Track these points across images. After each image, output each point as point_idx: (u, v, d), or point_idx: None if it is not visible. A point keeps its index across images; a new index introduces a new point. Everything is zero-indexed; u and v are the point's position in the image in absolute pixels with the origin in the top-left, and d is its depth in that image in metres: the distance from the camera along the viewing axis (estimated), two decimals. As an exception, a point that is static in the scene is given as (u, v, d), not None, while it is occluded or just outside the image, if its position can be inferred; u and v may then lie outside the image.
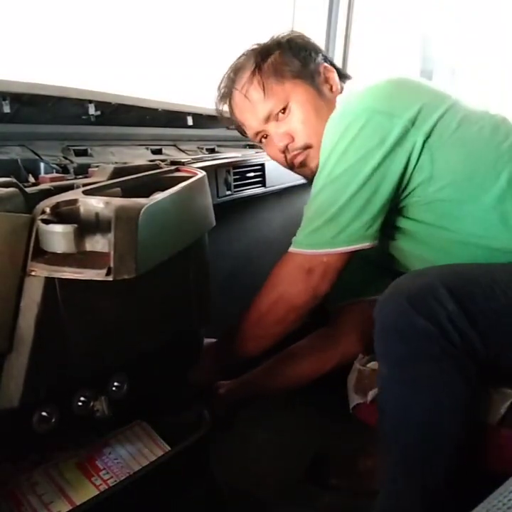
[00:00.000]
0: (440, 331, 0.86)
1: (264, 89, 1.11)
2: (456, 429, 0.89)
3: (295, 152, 1.15)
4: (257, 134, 1.18)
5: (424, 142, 0.98)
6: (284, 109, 1.12)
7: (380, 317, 0.91)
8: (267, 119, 1.14)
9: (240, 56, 1.17)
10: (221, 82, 1.18)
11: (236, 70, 1.16)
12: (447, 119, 1.00)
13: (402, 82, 1.07)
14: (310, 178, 1.16)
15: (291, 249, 1.07)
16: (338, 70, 1.20)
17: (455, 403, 0.88)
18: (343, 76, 1.20)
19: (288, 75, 1.12)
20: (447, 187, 0.99)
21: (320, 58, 1.17)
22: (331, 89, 1.16)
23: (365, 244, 1.00)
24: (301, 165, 1.17)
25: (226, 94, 1.18)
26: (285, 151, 1.15)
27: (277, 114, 1.13)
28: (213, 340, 1.18)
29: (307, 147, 1.13)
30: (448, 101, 1.04)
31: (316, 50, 1.18)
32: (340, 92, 1.15)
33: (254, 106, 1.13)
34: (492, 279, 0.92)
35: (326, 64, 1.17)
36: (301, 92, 1.12)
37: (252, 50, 1.17)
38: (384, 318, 0.90)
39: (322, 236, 1.01)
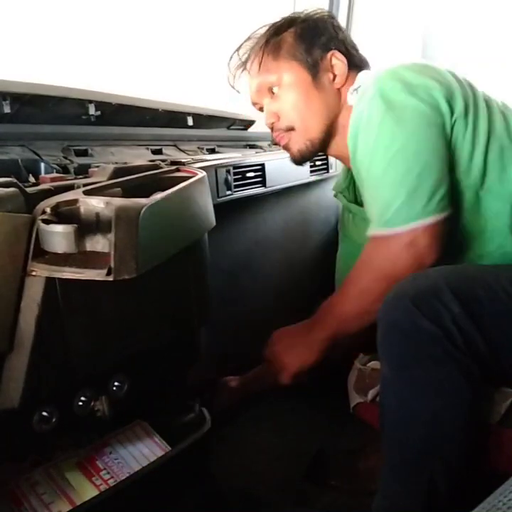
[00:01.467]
0: (444, 333, 0.85)
1: (259, 64, 1.13)
2: (458, 431, 0.88)
3: (278, 132, 1.16)
4: (254, 104, 1.21)
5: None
6: (276, 87, 1.13)
7: (384, 318, 0.90)
8: (260, 93, 1.16)
9: (261, 27, 1.18)
10: (237, 49, 1.20)
11: (249, 40, 1.18)
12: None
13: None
14: (294, 160, 1.19)
15: (382, 231, 0.99)
16: (353, 57, 1.16)
17: (458, 405, 0.87)
18: (358, 66, 1.16)
19: (286, 55, 1.12)
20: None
21: (334, 44, 1.14)
22: (333, 79, 1.13)
23: (451, 211, 0.98)
24: (285, 147, 1.18)
25: (237, 63, 1.20)
26: (272, 129, 1.17)
27: (270, 90, 1.14)
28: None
29: (290, 129, 1.14)
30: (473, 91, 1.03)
31: (331, 35, 1.15)
32: (344, 84, 1.13)
33: (251, 78, 1.17)
34: (497, 281, 0.91)
35: (337, 52, 1.13)
36: (294, 74, 1.12)
37: (272, 24, 1.17)
38: (388, 318, 0.90)
39: (412, 208, 0.95)
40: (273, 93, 1.14)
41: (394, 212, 0.96)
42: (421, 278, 0.91)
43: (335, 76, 1.13)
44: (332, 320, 1.07)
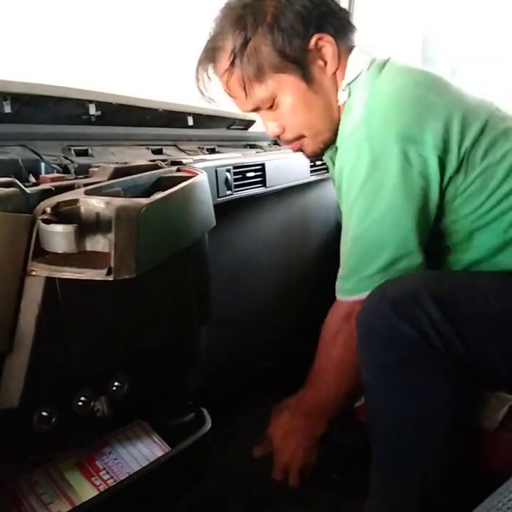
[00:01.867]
0: (423, 338, 0.85)
1: (245, 90, 1.01)
2: (446, 433, 0.88)
3: (286, 142, 1.10)
4: (248, 111, 1.10)
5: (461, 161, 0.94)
6: (271, 105, 1.04)
7: (362, 323, 0.90)
8: (254, 110, 1.07)
9: (217, 24, 1.02)
10: (201, 54, 1.05)
11: (214, 49, 1.02)
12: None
13: (430, 86, 0.99)
14: (310, 158, 1.17)
15: (337, 294, 1.05)
16: (338, 30, 1.02)
17: (442, 408, 0.87)
18: (344, 37, 1.03)
19: (268, 71, 0.99)
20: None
21: (312, 25, 0.98)
22: (324, 65, 1.02)
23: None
24: (297, 151, 1.12)
25: (206, 69, 1.05)
26: (278, 136, 1.10)
27: (265, 106, 1.04)
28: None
29: (300, 137, 1.08)
30: (483, 115, 0.97)
31: (303, 15, 0.98)
32: (337, 68, 1.02)
33: (237, 99, 1.05)
34: (476, 286, 0.91)
35: (321, 34, 0.99)
36: (286, 87, 1.01)
37: (230, 19, 0.99)
38: (366, 324, 0.89)
39: (359, 281, 0.98)
40: (270, 106, 1.04)
41: (346, 279, 1.00)
42: (399, 282, 0.90)
43: (325, 62, 1.02)
44: (323, 411, 1.11)
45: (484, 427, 0.92)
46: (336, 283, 1.04)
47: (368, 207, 0.94)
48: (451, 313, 0.85)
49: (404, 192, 0.92)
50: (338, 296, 1.04)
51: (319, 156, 1.16)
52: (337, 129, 1.05)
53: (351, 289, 0.99)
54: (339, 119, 1.05)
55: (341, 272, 1.03)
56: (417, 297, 0.86)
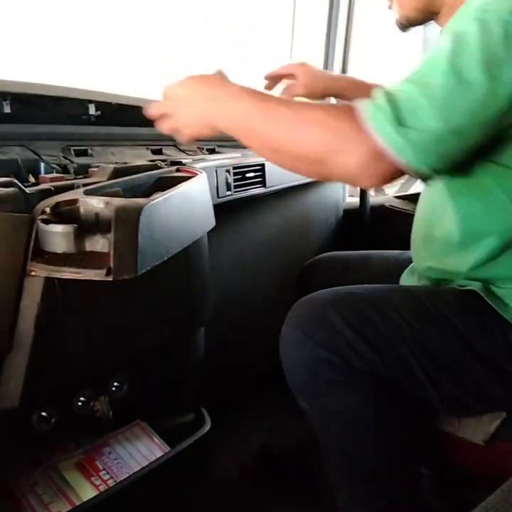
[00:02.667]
0: (342, 359, 0.84)
1: None
2: (389, 447, 0.89)
3: None
4: None
5: None
6: None
7: (284, 353, 0.89)
8: None
9: None
10: None
11: None
12: None
13: None
14: (400, 25, 0.99)
15: (366, 117, 0.74)
16: None
17: (377, 424, 0.87)
18: None
19: None
20: None
21: None
22: None
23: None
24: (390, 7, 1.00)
25: None
26: None
27: None
28: None
29: None
30: None
31: None
32: None
33: None
34: (387, 302, 0.88)
35: None
36: None
37: None
38: (287, 353, 0.88)
39: (420, 141, 0.72)
40: None
41: (403, 114, 0.72)
42: (308, 306, 0.89)
43: None
44: (231, 118, 0.84)
45: (476, 440, 0.92)
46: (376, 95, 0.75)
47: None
48: (365, 332, 0.84)
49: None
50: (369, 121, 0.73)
51: (411, 25, 0.98)
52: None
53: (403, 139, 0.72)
54: None
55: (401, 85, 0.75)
56: (328, 319, 0.85)
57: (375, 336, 0.85)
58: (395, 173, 0.76)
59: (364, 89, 1.11)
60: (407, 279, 1.07)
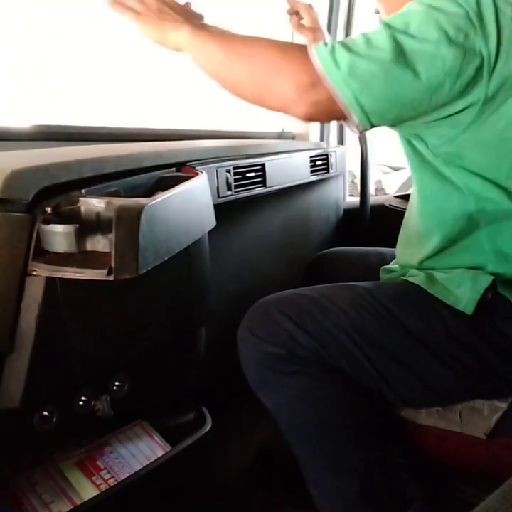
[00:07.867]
0: (287, 351, 0.89)
1: None
2: (348, 432, 0.91)
3: None
4: None
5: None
6: None
7: (241, 356, 0.94)
8: None
9: None
10: None
11: None
12: None
13: None
14: None
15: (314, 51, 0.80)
16: None
17: (333, 409, 0.90)
18: None
19: None
20: None
21: None
22: None
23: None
24: None
25: None
26: None
27: None
28: None
29: None
30: None
31: None
32: None
33: None
34: (329, 297, 0.92)
35: None
36: None
37: None
38: (243, 356, 0.94)
39: (357, 75, 0.77)
40: None
41: (345, 47, 0.79)
42: (256, 308, 0.95)
43: None
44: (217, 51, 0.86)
45: (477, 434, 0.92)
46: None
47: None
48: (305, 324, 0.89)
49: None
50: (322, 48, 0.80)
51: None
52: None
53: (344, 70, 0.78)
54: None
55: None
56: (269, 316, 0.91)
57: (314, 326, 0.89)
58: (329, 106, 0.81)
59: None
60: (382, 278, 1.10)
